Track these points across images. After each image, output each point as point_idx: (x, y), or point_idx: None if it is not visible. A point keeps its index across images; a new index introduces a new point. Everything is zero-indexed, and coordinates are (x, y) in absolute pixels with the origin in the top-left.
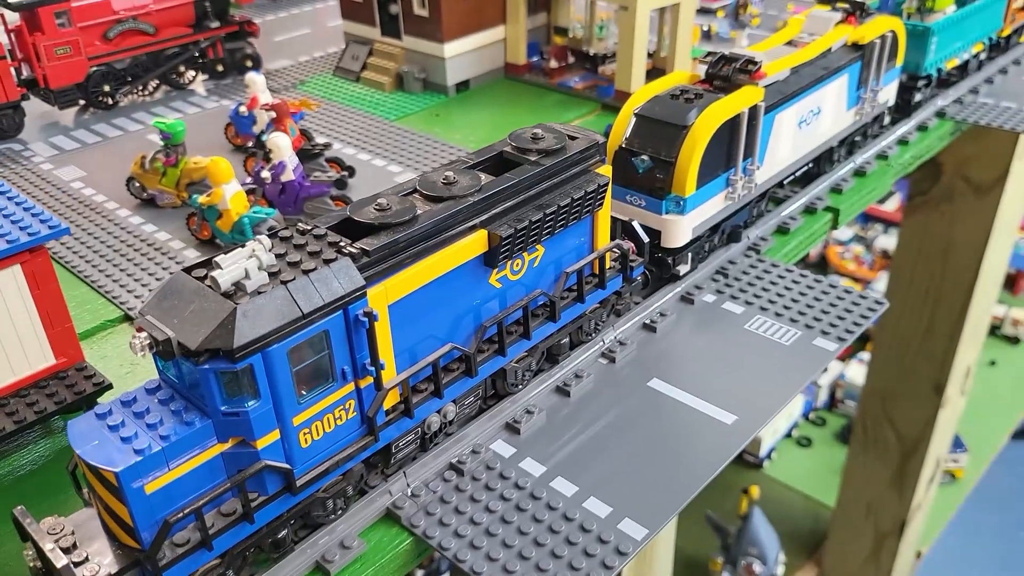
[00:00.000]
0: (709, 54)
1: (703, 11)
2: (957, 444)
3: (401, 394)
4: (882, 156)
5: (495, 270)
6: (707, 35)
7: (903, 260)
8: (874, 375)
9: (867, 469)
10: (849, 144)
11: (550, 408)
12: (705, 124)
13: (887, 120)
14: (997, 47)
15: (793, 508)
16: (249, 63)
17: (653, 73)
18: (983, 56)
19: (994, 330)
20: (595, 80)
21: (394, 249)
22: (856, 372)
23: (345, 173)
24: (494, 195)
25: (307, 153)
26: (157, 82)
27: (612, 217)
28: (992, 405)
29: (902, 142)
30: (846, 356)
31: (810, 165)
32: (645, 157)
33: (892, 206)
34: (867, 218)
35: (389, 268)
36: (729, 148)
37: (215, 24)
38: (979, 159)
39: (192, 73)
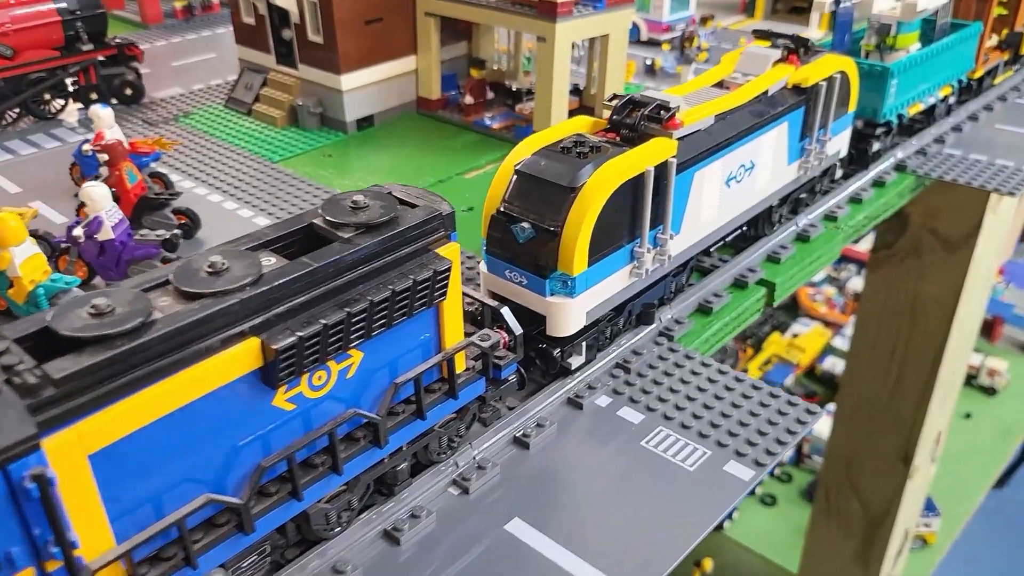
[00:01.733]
0: (614, 97)
1: (650, 43)
2: (929, 507)
3: (127, 572)
4: (830, 217)
5: (281, 389)
6: (650, 70)
7: (868, 315)
8: (837, 439)
9: (830, 540)
10: (793, 202)
11: (369, 565)
12: (599, 186)
13: (839, 174)
14: (968, 90)
15: (754, 575)
16: (128, 91)
17: (579, 112)
18: (952, 100)
19: (970, 380)
20: (513, 120)
21: (102, 374)
22: (825, 426)
23: (178, 231)
24: (274, 290)
25: (150, 203)
26: (19, 111)
27: (481, 302)
28: (967, 461)
29: (854, 200)
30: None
31: (744, 228)
32: (526, 224)
33: (867, 246)
34: (841, 258)
35: (93, 402)
36: (633, 214)
37: (88, 47)
38: (948, 212)
39: (61, 102)
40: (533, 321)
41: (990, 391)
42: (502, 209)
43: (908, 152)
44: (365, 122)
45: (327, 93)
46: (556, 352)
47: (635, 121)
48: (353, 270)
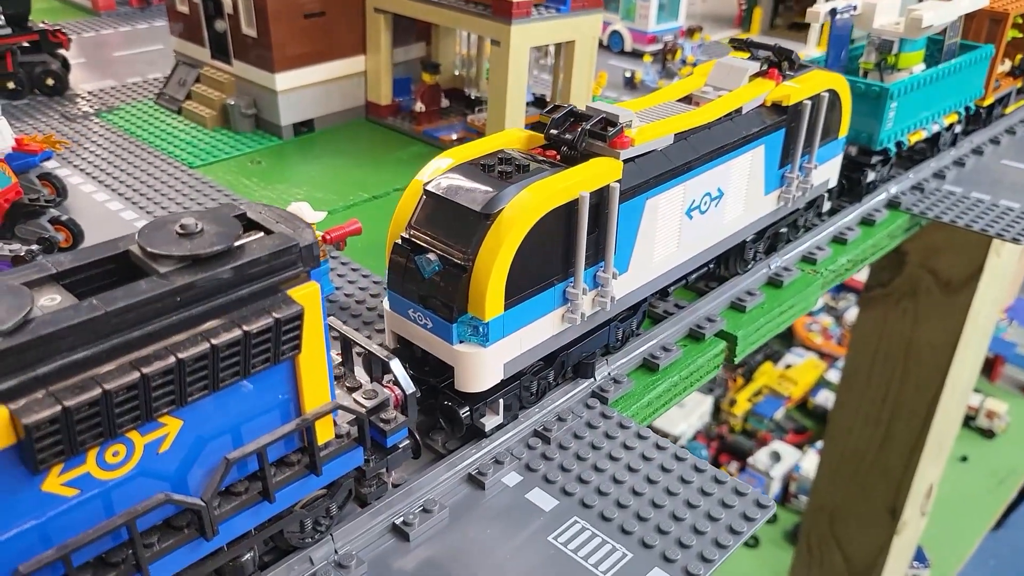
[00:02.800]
0: (554, 107)
1: (634, 54)
2: (919, 557)
3: None
4: (808, 259)
5: (54, 471)
6: (630, 83)
7: (858, 358)
8: (821, 488)
9: None
10: (771, 238)
11: None
12: (519, 213)
13: (827, 207)
14: (976, 118)
15: None
16: (50, 81)
17: (539, 127)
18: (958, 129)
19: (967, 421)
20: (466, 132)
21: None
22: (813, 464)
23: (36, 248)
24: (37, 342)
25: (24, 209)
26: None
27: (367, 350)
28: (962, 508)
29: (838, 240)
30: (802, 443)
31: (711, 267)
32: (432, 256)
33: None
34: (839, 287)
35: None
36: (565, 248)
37: (6, 31)
38: (949, 251)
39: None
40: (443, 370)
41: (988, 434)
42: (406, 236)
43: (903, 187)
44: (304, 127)
45: (262, 93)
46: (464, 412)
47: (575, 137)
48: (162, 317)
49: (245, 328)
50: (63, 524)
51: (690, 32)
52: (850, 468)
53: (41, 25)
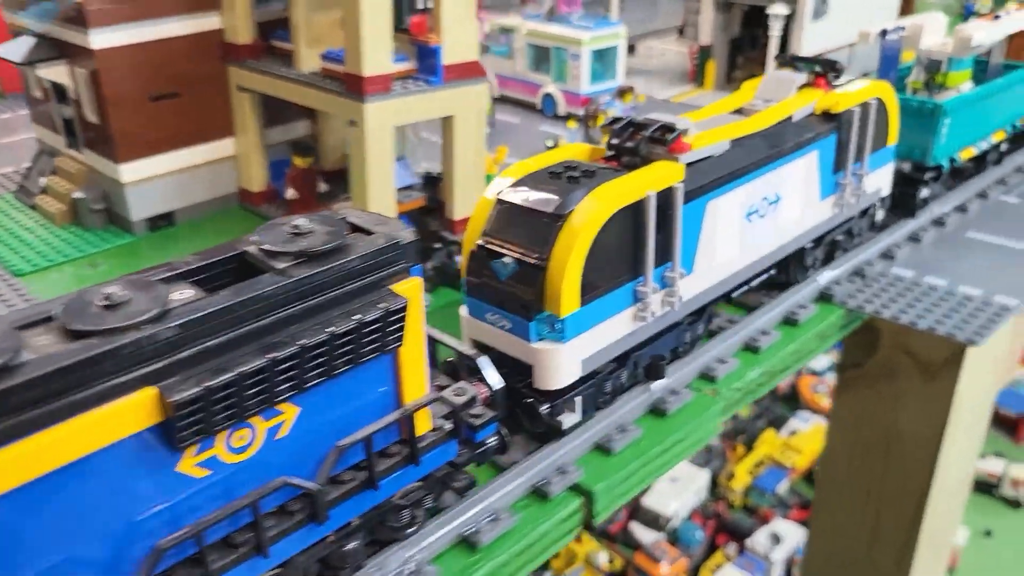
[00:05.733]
0: (614, 120)
1: (568, 117)
2: None
3: None
4: (707, 375)
5: (189, 452)
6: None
7: (837, 448)
8: None
9: None
10: (828, 245)
11: None
12: (590, 213)
13: (880, 215)
14: (1021, 137)
15: None
16: None
17: (426, 212)
18: (1004, 147)
19: (990, 490)
20: None
21: None
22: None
23: None
24: (179, 329)
25: None
26: None
27: (455, 350)
28: None
29: (749, 347)
30: (808, 519)
31: (772, 272)
32: (508, 259)
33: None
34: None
35: None
36: (634, 248)
37: None
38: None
39: None
40: (519, 372)
41: (1014, 503)
42: (481, 243)
43: (840, 272)
44: (163, 220)
45: (111, 185)
46: (544, 408)
47: (637, 144)
48: (284, 308)
49: (359, 319)
50: (193, 504)
51: (621, 93)
52: (836, 572)
53: None
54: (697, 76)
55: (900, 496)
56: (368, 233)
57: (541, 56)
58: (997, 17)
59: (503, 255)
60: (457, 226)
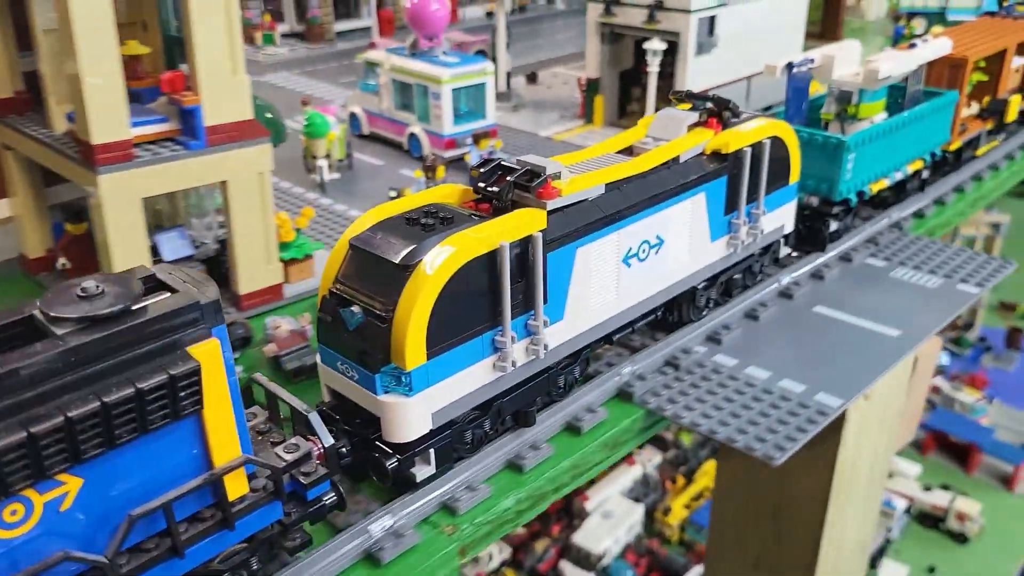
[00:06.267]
0: (484, 162)
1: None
2: None
3: None
4: (449, 507)
5: None
6: None
7: (724, 518)
8: None
9: None
10: (724, 284)
11: None
12: (438, 265)
13: (783, 252)
14: (943, 163)
15: None
16: None
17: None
18: (926, 174)
19: (935, 524)
20: None
21: None
22: None
23: None
24: None
25: None
26: None
27: (288, 404)
28: None
29: (512, 465)
30: None
31: (658, 314)
32: (356, 309)
33: None
34: None
35: None
36: (492, 297)
37: None
38: None
39: None
40: (371, 423)
41: (960, 538)
42: (333, 290)
43: (642, 366)
44: None
45: None
46: (390, 463)
47: (502, 189)
48: (55, 377)
49: (138, 385)
50: None
51: (476, 139)
52: None
53: None
54: (586, 111)
55: (790, 565)
56: (172, 292)
57: (406, 93)
58: (913, 46)
59: (352, 303)
60: (244, 301)
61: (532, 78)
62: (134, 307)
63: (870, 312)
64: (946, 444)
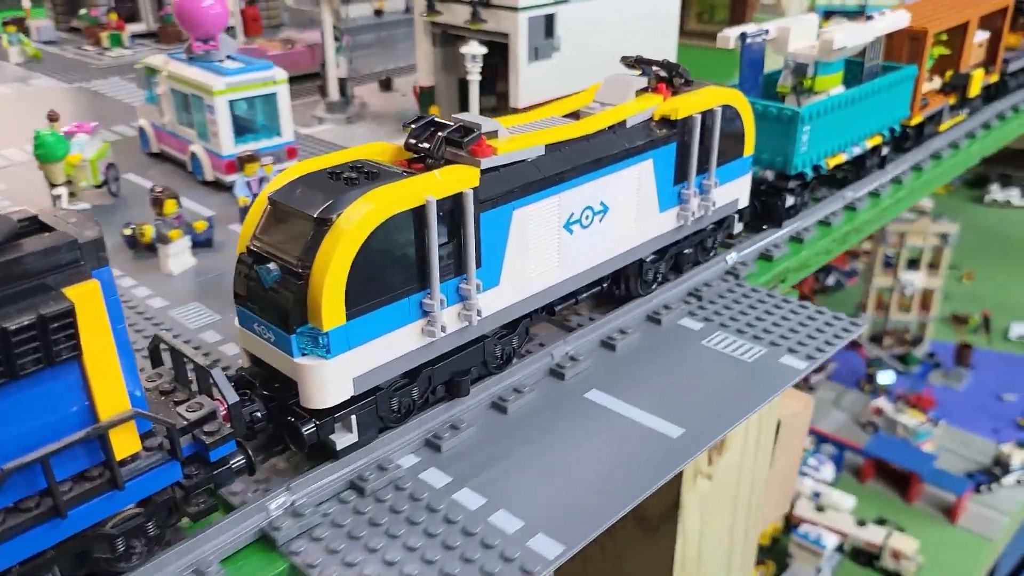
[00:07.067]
0: (417, 118)
1: (217, 184)
2: None
3: None
4: None
5: None
6: (134, 242)
7: None
8: None
9: None
10: (674, 258)
11: None
12: (358, 218)
13: (737, 228)
14: (904, 138)
15: None
16: None
17: None
18: (886, 151)
19: (870, 561)
20: None
21: None
22: None
23: None
24: None
25: None
26: None
27: (191, 360)
28: None
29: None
30: None
31: (603, 286)
32: (272, 266)
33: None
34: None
35: None
36: (420, 257)
37: None
38: None
39: None
40: (289, 388)
41: None
42: (250, 247)
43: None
44: None
45: None
46: (308, 429)
47: (433, 145)
48: None
49: (2, 325)
50: None
51: (241, 162)
52: None
53: None
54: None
55: None
56: (49, 230)
57: (186, 105)
58: (870, 18)
59: (268, 261)
60: None
61: (386, 84)
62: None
63: (655, 399)
64: (886, 471)
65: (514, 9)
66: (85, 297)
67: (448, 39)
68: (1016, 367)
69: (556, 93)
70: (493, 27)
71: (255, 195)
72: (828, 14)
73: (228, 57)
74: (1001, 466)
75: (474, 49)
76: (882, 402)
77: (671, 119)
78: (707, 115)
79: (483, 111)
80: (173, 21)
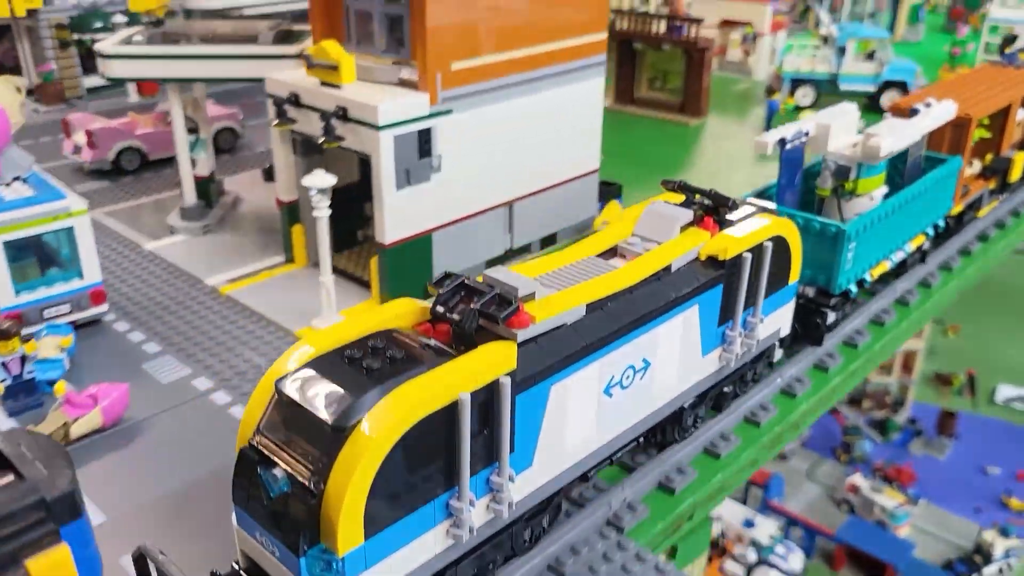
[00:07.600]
0: (446, 276)
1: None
2: None
3: None
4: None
5: None
6: None
7: None
8: None
9: None
10: (714, 399)
11: None
12: (379, 428)
13: (778, 356)
14: (946, 232)
15: None
16: None
17: None
18: (927, 246)
19: None
20: None
21: None
22: None
23: None
24: None
25: None
26: None
27: None
28: None
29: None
30: None
31: (639, 441)
32: (279, 472)
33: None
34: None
35: None
36: (448, 456)
37: None
38: None
39: None
40: None
41: None
42: (254, 443)
43: None
44: None
45: None
46: None
47: (464, 317)
48: None
49: None
50: None
51: (4, 334)
52: None
53: None
54: (285, 246)
55: None
56: (20, 478)
57: None
58: (915, 112)
59: (275, 464)
60: None
61: (270, 174)
62: None
63: None
64: (860, 559)
65: (374, 127)
66: (59, 567)
67: (312, 146)
68: (1001, 435)
69: (435, 223)
70: (352, 145)
71: (14, 380)
72: (795, 83)
73: (16, 180)
74: (983, 555)
75: (319, 181)
76: (858, 479)
77: (719, 259)
78: (756, 251)
79: (351, 244)
80: (53, 79)
